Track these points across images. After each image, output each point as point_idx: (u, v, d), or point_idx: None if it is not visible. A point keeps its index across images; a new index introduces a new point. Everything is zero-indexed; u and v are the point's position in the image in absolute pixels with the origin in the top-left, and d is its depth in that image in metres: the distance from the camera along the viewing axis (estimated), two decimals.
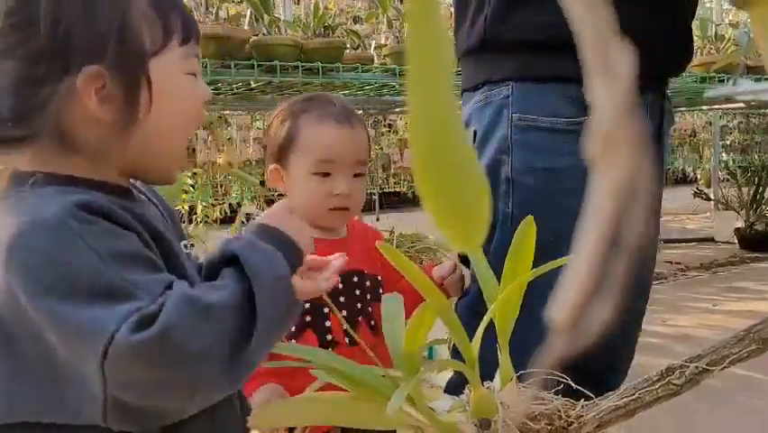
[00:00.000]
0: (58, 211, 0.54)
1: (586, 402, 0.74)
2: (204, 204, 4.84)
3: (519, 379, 0.75)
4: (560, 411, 0.70)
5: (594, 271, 0.15)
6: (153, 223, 0.63)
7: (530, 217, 0.77)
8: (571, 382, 0.77)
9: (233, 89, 2.63)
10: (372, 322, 1.09)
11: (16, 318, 0.55)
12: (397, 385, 0.63)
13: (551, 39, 0.81)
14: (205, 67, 2.20)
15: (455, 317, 0.67)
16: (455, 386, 1.08)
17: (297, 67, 2.41)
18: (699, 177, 7.29)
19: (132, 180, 0.70)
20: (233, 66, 2.28)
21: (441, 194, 0.24)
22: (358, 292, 1.09)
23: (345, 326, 0.96)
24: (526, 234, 0.77)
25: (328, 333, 1.04)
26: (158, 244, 0.62)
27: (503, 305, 0.71)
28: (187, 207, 4.42)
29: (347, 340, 1.05)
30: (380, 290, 1.11)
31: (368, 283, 1.11)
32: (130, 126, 0.62)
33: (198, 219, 4.79)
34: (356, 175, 1.10)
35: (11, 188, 0.62)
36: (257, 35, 2.43)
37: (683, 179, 7.92)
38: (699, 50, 3.62)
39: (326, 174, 1.06)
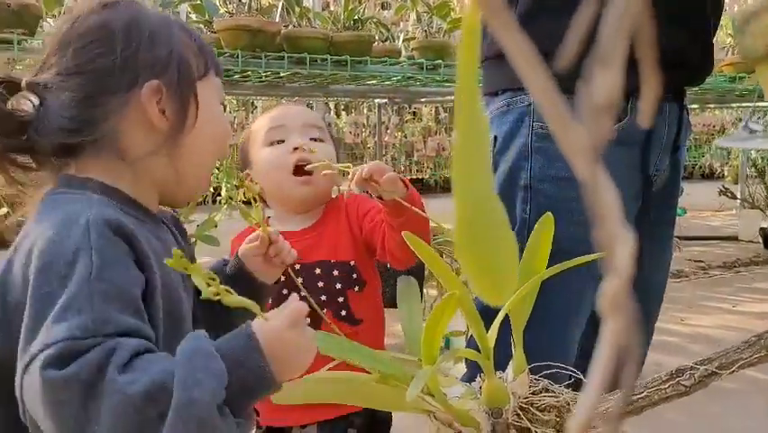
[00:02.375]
0: (90, 221, 0.61)
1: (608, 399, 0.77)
2: (228, 186, 4.91)
3: (532, 371, 0.79)
4: (569, 404, 0.74)
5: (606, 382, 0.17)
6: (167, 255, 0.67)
7: (548, 215, 0.79)
8: (582, 377, 0.80)
9: (261, 78, 2.68)
10: (343, 312, 1.08)
11: (22, 291, 0.61)
12: (410, 371, 0.67)
13: (549, 51, 0.84)
14: (237, 58, 2.25)
15: (474, 309, 0.70)
16: (470, 379, 1.12)
17: (325, 59, 2.44)
18: (726, 173, 7.20)
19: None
20: (263, 57, 2.32)
21: (477, 258, 0.27)
22: (321, 284, 1.08)
23: (313, 306, 0.97)
24: (544, 231, 0.80)
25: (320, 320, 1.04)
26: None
27: (518, 300, 0.74)
28: (211, 189, 4.50)
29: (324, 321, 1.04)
30: (354, 275, 1.10)
31: (335, 272, 1.09)
32: (178, 136, 0.71)
33: (223, 201, 4.87)
34: (314, 139, 1.10)
35: (61, 186, 0.69)
36: (287, 27, 2.47)
37: (710, 175, 7.83)
38: (729, 50, 3.58)
39: (281, 141, 1.08)
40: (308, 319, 0.66)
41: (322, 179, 1.09)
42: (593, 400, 0.17)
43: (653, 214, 1.15)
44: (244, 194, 0.92)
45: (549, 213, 0.79)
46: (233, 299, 0.59)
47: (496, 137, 1.11)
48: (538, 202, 1.06)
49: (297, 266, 1.08)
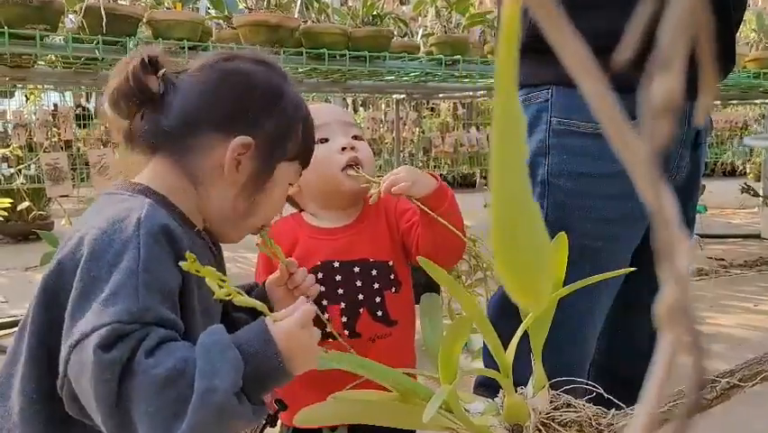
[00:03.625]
0: (142, 220, 0.68)
1: (617, 411, 0.76)
2: None
3: (552, 387, 0.78)
4: (591, 419, 0.73)
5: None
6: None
7: (562, 234, 0.79)
8: (602, 392, 0.79)
9: None
10: (380, 312, 1.08)
11: (71, 274, 0.67)
12: (431, 388, 0.67)
13: (595, 47, 0.83)
14: None
15: (490, 327, 0.70)
16: (485, 381, 1.11)
17: (344, 55, 2.44)
18: (748, 170, 7.10)
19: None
20: (282, 53, 2.32)
21: (513, 262, 0.27)
22: (359, 283, 1.07)
23: (322, 318, 0.97)
24: (559, 248, 0.79)
25: (326, 326, 1.04)
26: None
27: (537, 316, 0.73)
28: None
29: (347, 332, 1.05)
30: (392, 276, 1.09)
31: (374, 272, 1.08)
32: (242, 191, 0.79)
33: None
34: (354, 137, 1.10)
35: (120, 188, 0.78)
36: (306, 22, 2.47)
37: (732, 172, 7.73)
38: (754, 45, 3.52)
39: (325, 140, 1.08)
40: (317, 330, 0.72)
41: (368, 171, 1.10)
42: (651, 414, 0.16)
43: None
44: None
45: (564, 219, 0.79)
46: (244, 299, 0.65)
47: None
48: (555, 198, 1.06)
49: (336, 263, 1.07)
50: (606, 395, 0.79)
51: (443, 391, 0.62)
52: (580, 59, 0.18)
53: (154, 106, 0.77)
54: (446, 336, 0.65)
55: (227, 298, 0.64)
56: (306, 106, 0.87)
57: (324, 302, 1.06)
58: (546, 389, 0.75)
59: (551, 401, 0.74)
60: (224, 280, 0.64)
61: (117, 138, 0.81)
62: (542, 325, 0.77)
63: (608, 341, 1.19)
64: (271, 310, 0.87)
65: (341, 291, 1.06)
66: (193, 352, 0.63)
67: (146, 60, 0.76)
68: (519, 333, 0.73)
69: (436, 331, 0.86)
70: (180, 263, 0.63)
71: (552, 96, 1.06)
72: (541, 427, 0.71)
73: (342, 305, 1.06)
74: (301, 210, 1.16)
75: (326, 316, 1.05)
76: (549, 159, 1.07)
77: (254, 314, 0.71)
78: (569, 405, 0.74)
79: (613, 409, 0.76)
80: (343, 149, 1.07)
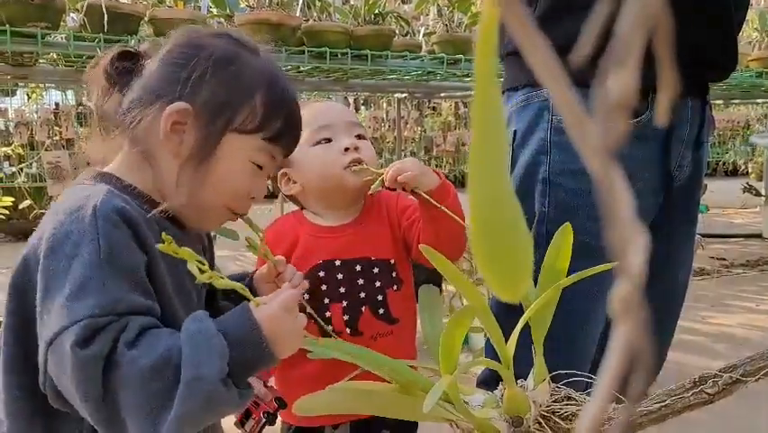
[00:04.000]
0: (97, 207, 0.66)
1: (617, 405, 0.76)
2: None
3: (552, 379, 0.78)
4: None
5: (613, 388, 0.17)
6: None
7: (567, 225, 0.80)
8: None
9: None
10: (381, 310, 1.08)
11: (34, 270, 0.66)
12: (431, 380, 0.66)
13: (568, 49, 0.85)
14: None
15: (493, 319, 0.70)
16: (487, 378, 1.11)
17: (346, 53, 2.44)
18: (750, 170, 7.09)
19: None
20: (284, 51, 2.32)
21: (491, 254, 0.27)
22: (361, 281, 1.07)
23: (316, 318, 0.97)
24: (563, 240, 0.79)
25: (328, 324, 1.04)
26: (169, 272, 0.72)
27: (539, 308, 0.73)
28: None
29: (348, 330, 1.05)
30: (393, 274, 1.10)
31: (375, 270, 1.09)
32: (186, 164, 0.74)
33: None
34: (358, 137, 1.10)
35: (82, 177, 0.77)
36: (308, 21, 2.47)
37: (734, 172, 7.71)
38: (757, 45, 3.52)
39: (328, 140, 1.08)
40: (303, 315, 0.71)
41: (372, 169, 1.10)
42: (601, 406, 0.16)
43: (674, 211, 1.15)
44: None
45: (566, 217, 0.79)
46: (225, 282, 0.64)
47: (516, 131, 1.12)
48: (557, 196, 1.07)
49: (338, 262, 1.08)
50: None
51: (443, 382, 0.62)
52: (545, 61, 0.18)
53: (124, 91, 0.76)
54: (447, 326, 0.65)
55: (208, 281, 0.63)
56: (276, 79, 0.80)
57: (326, 300, 1.06)
58: (547, 382, 0.75)
59: (551, 394, 0.74)
60: (202, 263, 0.63)
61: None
62: (543, 317, 0.77)
63: (607, 336, 1.19)
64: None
65: (342, 290, 1.07)
66: (177, 339, 0.63)
67: (119, 53, 0.77)
68: (520, 325, 0.73)
69: (436, 325, 0.86)
70: (158, 246, 0.62)
71: (551, 95, 1.07)
72: (541, 419, 0.71)
73: (344, 303, 1.06)
74: (302, 208, 1.16)
75: (328, 314, 1.05)
76: (550, 157, 1.07)
77: (240, 303, 0.70)
78: (569, 398, 0.74)
79: (613, 403, 0.76)
80: (346, 149, 1.07)
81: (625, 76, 0.16)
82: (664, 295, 1.20)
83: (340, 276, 1.07)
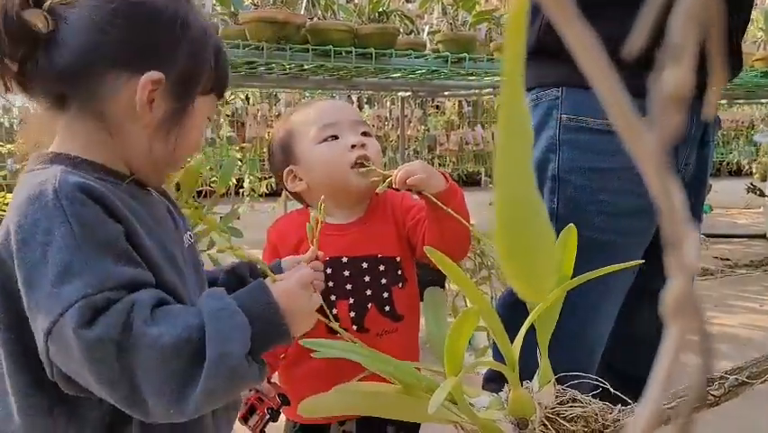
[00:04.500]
0: (57, 189, 0.64)
1: (623, 407, 0.76)
2: (251, 177, 4.94)
3: (558, 381, 0.78)
4: (597, 414, 0.73)
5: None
6: (149, 219, 0.73)
7: (572, 226, 0.80)
8: (609, 387, 0.79)
9: (285, 70, 2.68)
10: (387, 308, 1.09)
11: (9, 264, 0.64)
12: (436, 381, 0.66)
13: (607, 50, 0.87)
14: (261, 50, 2.25)
15: (498, 320, 0.70)
16: (493, 376, 1.11)
17: (350, 52, 2.44)
18: (754, 170, 7.07)
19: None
20: (288, 49, 2.32)
21: (514, 252, 0.27)
22: (367, 279, 1.09)
23: (324, 313, 0.99)
24: (568, 241, 0.79)
25: (335, 320, 1.06)
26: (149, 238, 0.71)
27: (544, 309, 0.73)
28: (234, 181, 4.53)
29: (355, 327, 1.06)
30: (399, 272, 1.11)
31: (381, 267, 1.10)
32: (158, 129, 0.73)
33: (246, 192, 4.91)
34: (363, 134, 1.12)
35: (31, 165, 0.72)
36: (312, 19, 2.47)
37: (737, 172, 7.69)
38: (762, 44, 3.51)
39: (335, 137, 1.09)
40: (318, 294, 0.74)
41: (377, 166, 1.12)
42: (654, 409, 0.16)
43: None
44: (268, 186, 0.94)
45: (572, 225, 0.79)
46: (243, 253, 0.67)
47: None
48: (566, 193, 1.08)
49: (345, 259, 1.08)
50: (613, 391, 0.79)
51: (448, 383, 0.62)
52: (593, 56, 0.18)
53: (46, 48, 0.67)
54: (452, 328, 0.65)
55: (229, 250, 0.66)
56: (214, 32, 0.80)
57: (333, 297, 1.06)
58: (552, 383, 0.75)
59: (556, 396, 0.74)
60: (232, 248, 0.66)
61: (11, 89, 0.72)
62: (548, 319, 0.77)
63: (614, 338, 1.19)
64: None
65: (349, 287, 1.07)
66: (194, 316, 0.64)
67: None
68: (526, 326, 0.73)
69: (440, 325, 0.86)
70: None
71: (562, 94, 1.08)
72: (546, 421, 0.70)
73: (351, 300, 1.07)
74: (307, 206, 1.16)
75: (335, 311, 1.06)
76: (560, 154, 1.09)
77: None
78: (575, 400, 0.74)
79: (619, 405, 0.76)
80: (353, 146, 1.08)
81: (680, 72, 0.16)
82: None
83: (346, 273, 1.07)
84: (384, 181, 1.03)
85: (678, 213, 0.17)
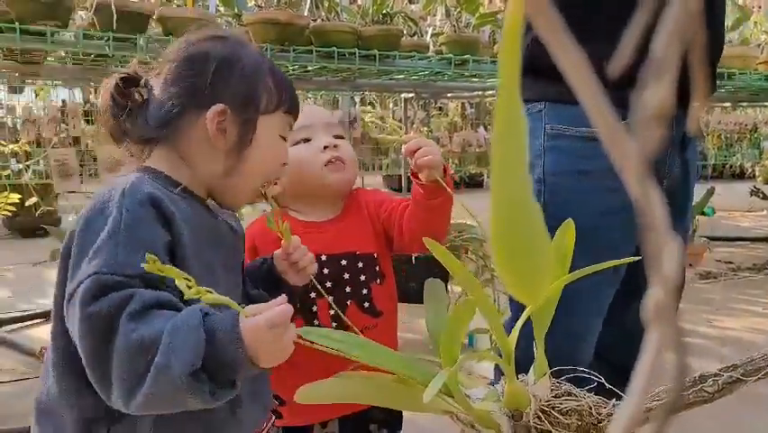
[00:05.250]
0: (126, 189, 0.75)
1: (617, 401, 0.76)
2: None
3: (554, 375, 0.78)
4: (591, 408, 0.73)
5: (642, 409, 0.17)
6: (204, 234, 0.83)
7: (569, 221, 0.81)
8: (603, 381, 0.80)
9: (288, 71, 2.68)
10: (366, 304, 1.10)
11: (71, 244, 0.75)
12: (433, 372, 0.66)
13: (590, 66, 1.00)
14: (265, 51, 2.26)
15: (495, 312, 0.70)
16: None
17: (353, 53, 2.44)
18: (757, 173, 7.06)
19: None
20: (291, 51, 2.32)
21: (510, 256, 0.27)
22: (347, 276, 1.10)
23: (338, 312, 1.01)
24: (565, 236, 0.79)
25: (315, 318, 1.07)
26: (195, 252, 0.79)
27: (540, 304, 0.73)
28: None
29: (334, 325, 1.06)
30: (377, 268, 1.12)
31: (360, 264, 1.11)
32: (233, 153, 0.85)
33: None
34: (336, 137, 1.14)
35: (125, 169, 0.87)
36: (316, 20, 2.47)
37: (741, 175, 7.68)
38: (766, 47, 3.50)
39: (307, 140, 1.12)
40: (293, 324, 0.74)
41: (350, 167, 1.14)
42: (636, 408, 0.17)
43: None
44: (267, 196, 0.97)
45: (570, 219, 0.82)
46: (212, 297, 0.67)
47: None
48: (551, 194, 1.19)
49: (324, 257, 1.09)
50: (608, 385, 0.80)
51: (444, 374, 0.62)
52: (579, 71, 0.18)
53: (140, 111, 0.85)
54: (450, 319, 0.65)
55: (196, 296, 0.66)
56: (271, 63, 0.92)
57: (312, 295, 1.07)
58: (547, 376, 0.75)
59: (552, 389, 0.74)
60: (189, 279, 0.66)
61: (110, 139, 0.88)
62: (545, 313, 0.77)
63: (608, 330, 1.24)
64: (281, 282, 0.97)
65: (329, 285, 1.09)
66: (167, 324, 0.67)
67: (120, 82, 0.85)
68: (522, 320, 0.73)
69: (440, 318, 0.86)
70: (142, 265, 0.65)
71: (545, 107, 1.21)
72: (541, 414, 0.71)
73: (331, 298, 1.07)
74: (284, 207, 1.18)
75: (315, 309, 1.07)
76: (545, 159, 1.20)
77: (270, 290, 0.78)
78: (569, 394, 0.75)
79: (614, 399, 0.76)
80: (325, 147, 1.11)
81: (662, 88, 0.16)
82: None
83: (326, 271, 1.09)
84: (396, 142, 1.08)
85: (659, 223, 0.17)
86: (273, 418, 1.04)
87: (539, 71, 1.05)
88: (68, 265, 0.74)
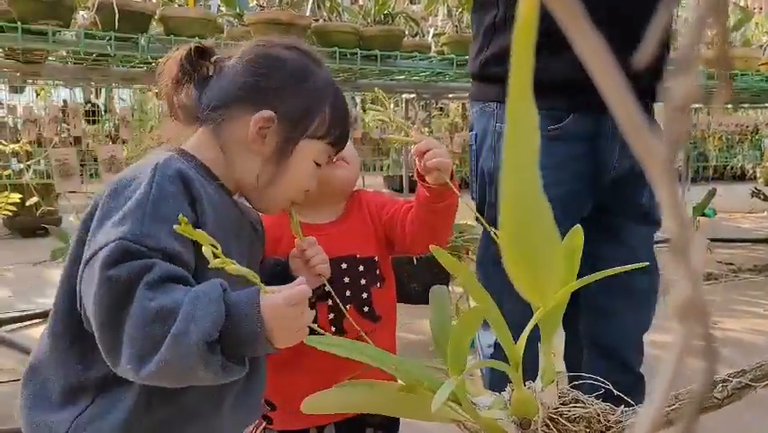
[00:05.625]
0: (160, 164, 0.77)
1: (626, 408, 0.76)
2: None
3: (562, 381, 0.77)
4: (599, 415, 0.73)
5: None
6: (226, 221, 0.83)
7: (578, 227, 0.81)
8: (612, 389, 0.80)
9: None
10: (366, 309, 1.08)
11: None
12: (439, 379, 0.66)
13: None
14: None
15: (502, 320, 0.69)
16: (498, 380, 1.12)
17: (355, 53, 2.44)
18: (758, 175, 7.06)
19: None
20: None
21: (522, 259, 0.27)
22: (347, 280, 1.08)
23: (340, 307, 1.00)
24: (574, 242, 0.79)
25: (314, 322, 1.06)
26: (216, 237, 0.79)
27: (548, 310, 0.73)
28: None
29: (333, 329, 1.05)
30: (377, 271, 1.10)
31: (360, 268, 1.09)
32: (269, 162, 0.86)
33: None
34: None
35: (163, 147, 0.88)
36: (317, 20, 2.47)
37: (741, 176, 7.68)
38: (767, 48, 3.50)
39: None
40: (311, 309, 0.75)
41: (353, 165, 1.13)
42: (659, 409, 0.16)
43: (618, 200, 1.36)
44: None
45: (579, 226, 0.82)
46: (236, 268, 0.67)
47: (476, 134, 1.40)
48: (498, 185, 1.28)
49: None
50: (615, 391, 0.80)
51: (451, 382, 0.62)
52: (614, 84, 0.18)
53: (201, 86, 0.87)
54: (456, 326, 0.64)
55: (220, 265, 0.67)
56: (338, 93, 0.93)
57: (312, 299, 1.06)
58: (555, 383, 0.75)
59: (559, 396, 0.74)
60: (216, 247, 0.67)
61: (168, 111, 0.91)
62: (552, 318, 0.76)
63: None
64: (292, 278, 0.94)
65: (328, 288, 1.07)
66: (185, 295, 0.68)
67: (194, 50, 0.87)
68: (530, 326, 0.73)
69: (445, 325, 0.86)
70: (174, 227, 0.66)
71: (497, 108, 1.35)
72: (549, 421, 0.70)
73: (330, 302, 1.06)
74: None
75: (313, 312, 1.06)
76: (496, 157, 1.33)
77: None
78: (577, 401, 0.74)
79: (622, 406, 0.75)
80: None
81: (688, 81, 0.16)
82: (618, 296, 1.37)
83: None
84: (405, 142, 1.07)
85: (684, 219, 0.17)
86: (264, 423, 1.04)
87: (492, 79, 1.32)
88: (88, 228, 0.75)
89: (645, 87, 1.26)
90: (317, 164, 0.91)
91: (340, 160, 1.09)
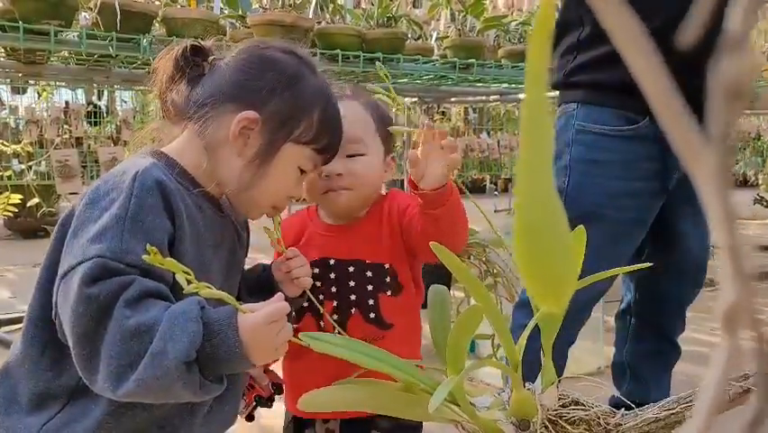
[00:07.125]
0: (138, 174, 0.75)
1: (626, 412, 0.75)
2: None
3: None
4: (599, 418, 0.72)
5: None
6: (204, 230, 0.83)
7: (581, 228, 0.82)
8: (616, 392, 0.79)
9: None
10: (372, 315, 1.06)
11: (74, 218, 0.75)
12: (437, 380, 0.65)
13: (610, 84, 1.35)
14: None
15: (502, 321, 0.69)
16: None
17: (358, 56, 2.43)
18: (760, 181, 7.05)
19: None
20: None
21: (535, 261, 0.26)
22: (352, 283, 1.06)
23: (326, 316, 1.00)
24: (578, 239, 0.78)
25: (321, 320, 1.04)
26: (193, 243, 0.80)
27: (549, 312, 0.72)
28: None
29: (336, 331, 1.02)
30: (388, 279, 1.06)
31: (368, 273, 1.07)
32: (250, 162, 0.84)
33: None
34: (351, 156, 1.05)
35: (142, 151, 0.87)
36: (320, 23, 2.46)
37: (744, 183, 7.67)
38: None
39: None
40: (290, 323, 0.75)
41: (360, 186, 1.06)
42: (707, 418, 0.15)
43: (679, 199, 1.48)
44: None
45: (582, 226, 0.82)
46: (211, 292, 0.68)
47: (557, 131, 1.51)
48: (574, 177, 1.46)
49: (332, 261, 1.07)
50: (617, 394, 0.80)
51: (449, 382, 0.61)
52: (663, 93, 0.17)
53: (193, 83, 0.86)
54: (455, 326, 0.64)
55: (195, 290, 0.68)
56: (331, 102, 0.91)
57: (321, 297, 1.05)
58: (555, 385, 0.74)
59: (559, 398, 0.73)
60: (188, 273, 0.68)
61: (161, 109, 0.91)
62: (553, 320, 0.76)
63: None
64: (275, 289, 0.94)
65: (334, 289, 1.06)
66: (164, 313, 0.68)
67: (189, 47, 0.87)
68: (530, 327, 0.72)
69: (444, 325, 0.85)
70: (143, 257, 0.66)
71: (578, 108, 1.49)
72: (548, 423, 0.69)
73: (335, 303, 1.05)
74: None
75: (322, 310, 1.04)
76: (572, 149, 1.46)
77: (265, 298, 0.76)
78: (577, 403, 0.73)
79: (622, 409, 0.75)
80: (327, 176, 1.04)
81: (741, 61, 0.15)
82: (678, 268, 1.62)
83: (332, 276, 1.06)
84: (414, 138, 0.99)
85: (733, 220, 0.16)
86: (254, 403, 1.03)
87: (575, 84, 1.48)
88: (64, 234, 0.75)
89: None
90: (303, 171, 0.90)
91: (339, 188, 1.04)
